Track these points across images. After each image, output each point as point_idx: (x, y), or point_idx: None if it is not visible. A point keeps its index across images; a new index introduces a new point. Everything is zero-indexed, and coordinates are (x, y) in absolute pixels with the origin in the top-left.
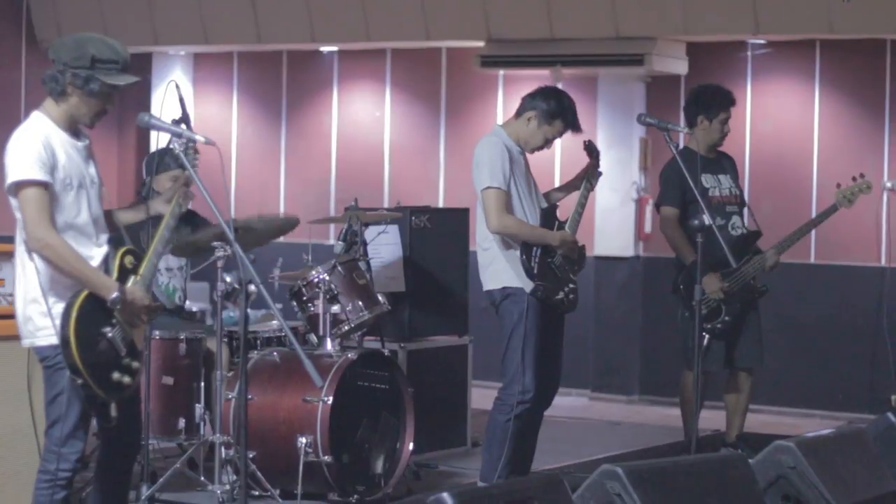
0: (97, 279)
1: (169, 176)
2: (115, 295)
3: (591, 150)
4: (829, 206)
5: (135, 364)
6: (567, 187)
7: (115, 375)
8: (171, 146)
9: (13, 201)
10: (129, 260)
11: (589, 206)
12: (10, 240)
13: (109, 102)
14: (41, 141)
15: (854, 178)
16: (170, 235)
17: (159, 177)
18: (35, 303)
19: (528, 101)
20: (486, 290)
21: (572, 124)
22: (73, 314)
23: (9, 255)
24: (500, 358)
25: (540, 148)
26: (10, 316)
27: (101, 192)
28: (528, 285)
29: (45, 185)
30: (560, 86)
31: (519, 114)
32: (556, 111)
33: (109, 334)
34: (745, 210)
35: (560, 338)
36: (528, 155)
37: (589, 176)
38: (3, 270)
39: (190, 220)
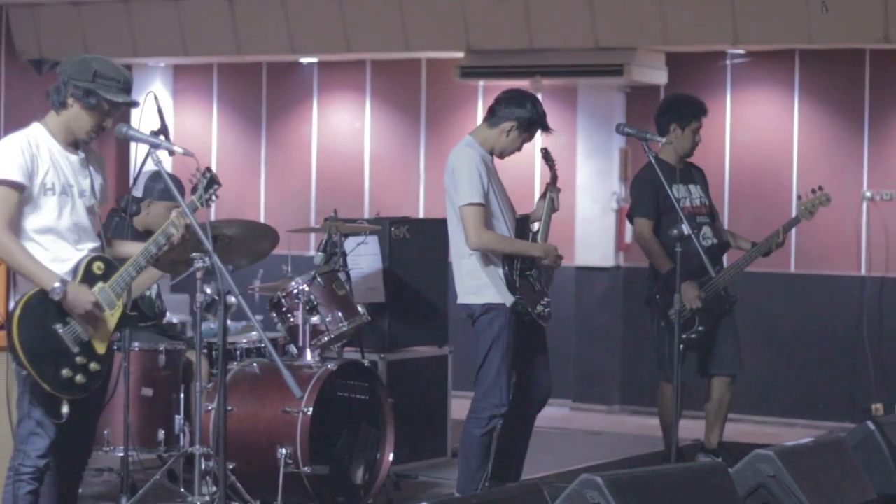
0: (40, 272)
1: (167, 205)
2: (56, 285)
3: (547, 157)
4: (793, 218)
5: (92, 365)
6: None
7: (65, 372)
8: (200, 177)
9: None
10: (97, 265)
11: (569, 216)
12: None
13: (107, 118)
14: (23, 145)
15: (813, 191)
16: (156, 252)
17: (158, 202)
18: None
19: (503, 110)
20: (465, 303)
21: (546, 128)
22: (18, 309)
23: None
24: (475, 371)
25: (512, 153)
26: None
27: (94, 205)
28: (508, 300)
29: (15, 186)
30: (540, 96)
31: (494, 123)
32: (534, 118)
33: (59, 330)
34: (715, 220)
35: (544, 347)
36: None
37: (549, 188)
38: None
39: None
